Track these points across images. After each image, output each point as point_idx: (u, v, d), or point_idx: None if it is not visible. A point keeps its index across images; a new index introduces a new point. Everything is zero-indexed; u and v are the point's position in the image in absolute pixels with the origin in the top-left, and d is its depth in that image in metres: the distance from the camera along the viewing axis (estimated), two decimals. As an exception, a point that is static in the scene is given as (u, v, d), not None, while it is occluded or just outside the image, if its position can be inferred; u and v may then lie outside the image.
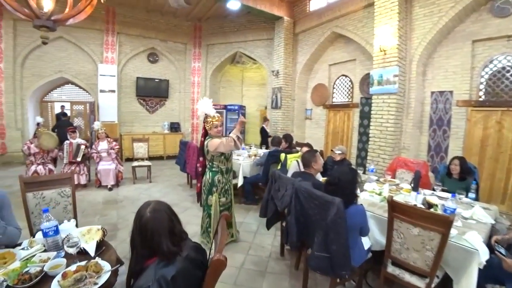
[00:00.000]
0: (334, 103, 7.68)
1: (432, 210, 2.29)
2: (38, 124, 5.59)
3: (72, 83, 8.86)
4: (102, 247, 1.77)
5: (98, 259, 1.55)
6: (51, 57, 8.16)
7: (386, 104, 5.27)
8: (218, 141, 2.92)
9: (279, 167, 4.36)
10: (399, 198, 2.73)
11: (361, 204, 2.16)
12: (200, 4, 8.44)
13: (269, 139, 7.20)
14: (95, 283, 1.36)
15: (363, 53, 6.51)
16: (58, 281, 1.35)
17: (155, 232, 1.21)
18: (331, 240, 1.88)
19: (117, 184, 5.89)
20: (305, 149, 3.75)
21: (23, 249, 1.70)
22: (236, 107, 9.96)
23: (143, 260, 1.25)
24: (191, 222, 4.04)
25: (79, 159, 5.58)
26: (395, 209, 2.03)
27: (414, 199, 2.71)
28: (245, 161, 5.01)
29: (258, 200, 4.88)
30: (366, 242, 2.22)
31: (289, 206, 2.39)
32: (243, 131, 6.94)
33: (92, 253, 1.65)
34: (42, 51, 8.04)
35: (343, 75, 7.36)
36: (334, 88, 7.69)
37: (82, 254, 1.65)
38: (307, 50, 7.84)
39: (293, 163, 3.74)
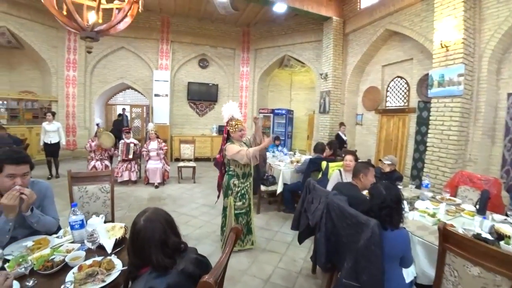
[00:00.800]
0: (387, 108, 7.04)
1: (502, 243, 1.82)
2: (97, 124, 6.19)
3: (132, 88, 9.76)
4: (122, 245, 1.77)
5: (113, 257, 1.55)
6: (114, 65, 9.13)
7: (449, 109, 4.59)
8: (236, 149, 2.93)
9: (320, 175, 4.10)
10: (457, 222, 2.28)
11: (405, 228, 1.81)
12: (248, 10, 8.59)
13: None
14: (103, 281, 1.34)
15: (421, 51, 5.84)
16: (74, 272, 1.38)
17: (145, 242, 1.15)
18: (362, 268, 1.61)
19: (163, 182, 6.19)
20: (349, 157, 3.40)
21: (58, 237, 1.82)
22: (284, 111, 9.82)
23: (136, 268, 1.21)
24: (226, 226, 4.01)
25: (130, 156, 6.03)
26: (448, 239, 1.58)
27: (478, 225, 2.18)
28: (286, 167, 4.84)
29: (297, 209, 4.65)
30: (408, 273, 1.85)
31: (320, 222, 2.15)
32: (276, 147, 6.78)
33: (109, 250, 1.65)
34: (107, 61, 9.06)
35: (398, 76, 6.70)
36: (387, 91, 7.05)
37: (103, 249, 1.67)
38: (358, 50, 7.36)
39: (335, 172, 3.45)
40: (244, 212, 3.19)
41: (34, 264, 1.39)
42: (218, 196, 3.36)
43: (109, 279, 1.36)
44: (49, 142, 6.19)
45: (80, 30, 2.24)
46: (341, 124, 7.36)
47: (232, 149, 2.96)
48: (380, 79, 7.08)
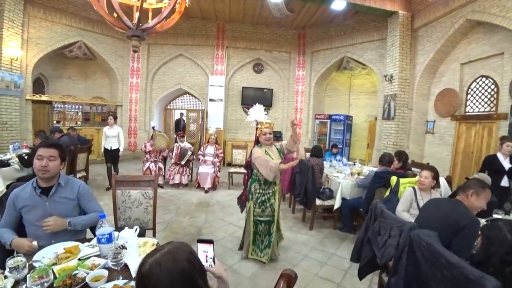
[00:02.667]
0: (467, 114, 5.90)
1: None
2: (153, 127, 6.38)
3: (189, 93, 10.08)
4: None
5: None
6: (172, 72, 9.57)
7: None
8: (259, 154, 2.86)
9: (387, 193, 3.45)
10: None
11: None
12: (304, 11, 8.17)
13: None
14: None
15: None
16: None
17: None
18: None
19: (214, 187, 6.09)
20: (425, 173, 2.74)
21: (91, 245, 1.68)
22: (342, 117, 9.11)
23: None
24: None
25: (183, 162, 6.07)
26: None
27: None
28: (345, 179, 4.28)
29: (357, 228, 4.04)
30: None
31: (397, 263, 1.61)
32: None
33: (133, 273, 1.42)
34: (166, 68, 9.56)
35: (482, 76, 5.56)
36: (468, 93, 5.91)
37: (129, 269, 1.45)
38: (430, 47, 6.35)
39: (408, 190, 2.82)
40: (266, 221, 3.04)
41: (55, 280, 1.29)
42: (244, 203, 3.21)
43: None
44: (109, 148, 5.80)
45: (126, 29, 2.14)
46: (504, 139, 4.03)
47: (258, 155, 2.87)
48: (458, 80, 5.98)
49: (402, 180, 3.18)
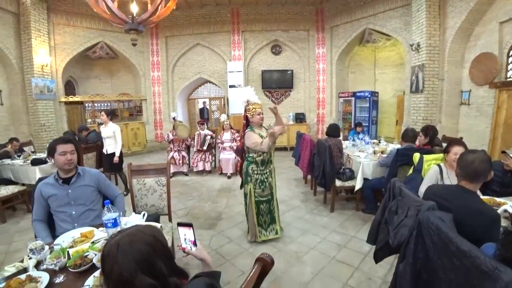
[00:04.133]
0: (509, 80, 5.26)
1: None
2: (174, 118, 6.56)
3: (209, 82, 10.14)
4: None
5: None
6: (191, 62, 9.65)
7: None
8: (256, 138, 2.88)
9: (410, 171, 3.23)
10: None
11: None
12: (320, -16, 7.69)
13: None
14: None
15: None
16: (95, 275, 1.35)
17: (105, 276, 0.84)
18: None
19: (236, 173, 6.15)
20: (456, 149, 2.45)
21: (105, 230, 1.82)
22: (367, 94, 8.64)
23: None
24: (292, 224, 3.64)
25: (205, 147, 6.24)
26: None
27: None
28: (367, 159, 4.06)
29: (380, 209, 3.88)
30: None
31: (405, 247, 1.47)
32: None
33: None
34: (185, 58, 9.67)
35: (528, 34, 4.91)
36: (509, 56, 5.23)
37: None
38: (462, 7, 5.67)
39: (433, 168, 2.57)
40: (266, 200, 3.12)
41: (69, 260, 1.47)
42: (242, 184, 3.24)
43: None
44: (105, 152, 4.90)
45: (124, 24, 2.16)
46: None
47: (252, 138, 2.90)
48: (497, 42, 5.31)
49: (426, 157, 2.94)
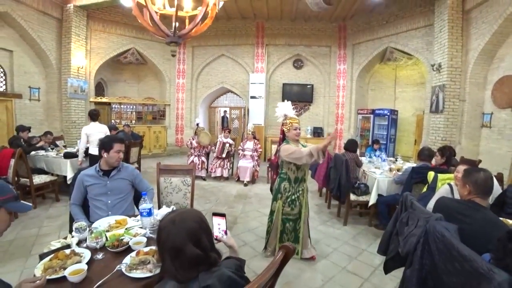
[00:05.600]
0: (534, 104, 5.23)
1: None
2: (197, 124, 6.84)
3: (231, 92, 10.49)
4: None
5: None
6: (215, 71, 10.07)
7: None
8: (291, 148, 2.74)
9: (424, 189, 3.30)
10: None
11: None
12: (343, 2, 7.93)
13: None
14: (150, 271, 1.38)
15: None
16: (131, 256, 1.51)
17: (160, 245, 1.05)
18: None
19: (253, 181, 6.33)
20: (461, 167, 2.56)
21: (136, 219, 2.06)
22: (386, 112, 8.66)
23: (163, 269, 1.12)
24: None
25: (223, 155, 6.42)
26: None
27: None
28: (382, 175, 4.15)
29: (393, 225, 3.91)
30: None
31: (413, 254, 1.59)
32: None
33: None
34: (210, 68, 10.10)
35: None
36: (535, 80, 5.23)
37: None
38: (486, 30, 5.70)
39: (444, 187, 2.65)
40: (293, 218, 2.98)
41: (107, 241, 1.66)
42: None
43: (156, 271, 1.38)
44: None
45: (166, 37, 2.42)
46: None
47: (287, 149, 2.75)
48: (522, 64, 5.32)
49: (441, 176, 3.01)
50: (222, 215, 1.37)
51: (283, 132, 3.02)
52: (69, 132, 7.48)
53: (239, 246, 3.28)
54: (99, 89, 9.49)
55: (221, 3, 2.79)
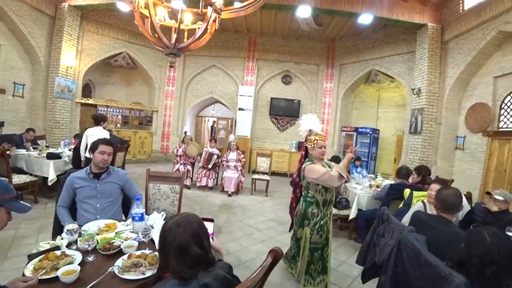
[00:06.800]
0: (501, 130, 5.65)
1: None
2: (185, 132, 6.88)
3: (219, 102, 10.63)
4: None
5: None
6: (206, 81, 10.23)
7: None
8: (320, 169, 2.44)
9: (401, 205, 3.52)
10: None
11: None
12: (332, 24, 8.39)
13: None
14: (143, 273, 1.43)
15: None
16: (123, 258, 1.55)
17: (166, 246, 1.13)
18: None
19: (237, 192, 6.39)
20: (433, 186, 2.79)
21: (125, 224, 2.08)
22: (369, 130, 9.03)
23: (161, 270, 1.21)
24: (289, 244, 3.78)
25: (209, 166, 6.47)
26: None
27: None
28: (363, 191, 4.35)
29: (371, 239, 4.08)
30: None
31: (387, 263, 1.74)
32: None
33: (157, 246, 1.73)
34: (200, 77, 10.24)
35: (518, 90, 5.35)
36: (502, 108, 5.67)
37: (154, 244, 1.78)
38: (461, 60, 6.21)
39: (418, 204, 2.88)
40: (321, 247, 2.66)
41: (98, 243, 1.68)
42: (292, 225, 2.90)
43: (148, 273, 1.44)
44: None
45: (165, 48, 2.52)
46: None
47: (315, 170, 2.45)
48: (491, 94, 5.77)
49: (416, 193, 3.24)
50: (211, 220, 1.47)
51: (306, 149, 2.73)
52: (52, 132, 7.31)
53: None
54: (87, 91, 9.38)
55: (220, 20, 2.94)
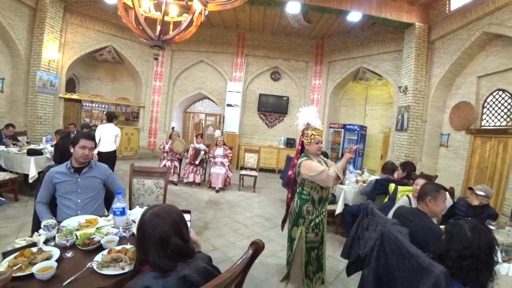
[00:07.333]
0: (483, 128, 5.83)
1: None
2: (173, 128, 6.79)
3: (208, 98, 10.53)
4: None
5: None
6: (194, 77, 10.10)
7: None
8: (317, 167, 2.31)
9: (386, 199, 3.57)
10: None
11: None
12: (322, 22, 8.42)
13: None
14: (123, 268, 1.40)
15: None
16: (103, 254, 1.51)
17: (145, 237, 1.10)
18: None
19: (224, 188, 6.36)
20: (419, 181, 2.85)
21: (107, 219, 2.03)
22: (356, 127, 9.13)
23: (140, 263, 1.17)
24: (275, 240, 3.81)
25: (197, 162, 6.40)
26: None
27: None
28: (349, 186, 4.38)
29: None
30: None
31: (370, 255, 1.76)
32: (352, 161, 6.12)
33: None
34: (188, 73, 10.11)
35: (499, 89, 5.48)
36: (484, 107, 5.83)
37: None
38: (446, 60, 6.36)
39: (403, 198, 2.91)
40: (316, 246, 2.57)
41: (77, 239, 1.63)
42: (284, 222, 2.83)
43: (128, 268, 1.40)
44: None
45: (149, 39, 2.46)
46: None
47: (311, 167, 2.33)
48: (475, 93, 5.92)
49: (400, 188, 3.29)
50: (187, 211, 1.45)
51: (302, 144, 2.61)
52: (33, 128, 7.07)
53: (209, 250, 3.33)
54: (71, 85, 9.10)
55: (207, 12, 2.89)
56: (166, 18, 2.64)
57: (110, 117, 5.32)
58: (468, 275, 1.24)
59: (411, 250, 1.40)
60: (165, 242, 1.08)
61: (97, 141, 4.82)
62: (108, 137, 5.12)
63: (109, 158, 4.95)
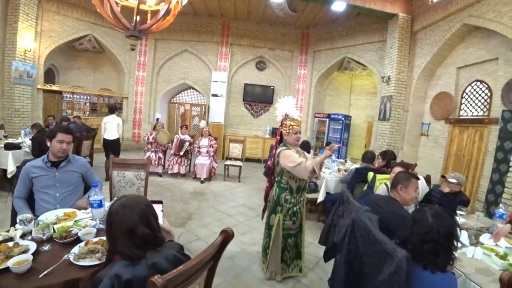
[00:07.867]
0: (461, 117, 6.04)
1: None
2: (157, 119, 6.69)
3: (193, 88, 10.38)
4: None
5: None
6: (178, 67, 9.92)
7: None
8: (295, 158, 2.39)
9: (365, 188, 3.68)
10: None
11: (453, 274, 1.41)
12: (307, 11, 8.36)
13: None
14: (99, 259, 1.41)
15: (511, 49, 4.82)
16: (80, 246, 1.53)
17: (113, 228, 1.14)
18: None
19: (209, 178, 6.39)
20: (396, 169, 2.96)
21: (85, 212, 2.03)
22: (341, 117, 9.26)
23: (111, 253, 1.21)
24: (258, 229, 3.89)
25: (181, 153, 6.37)
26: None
27: None
28: (331, 175, 4.49)
29: (338, 222, 4.27)
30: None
31: (342, 241, 1.84)
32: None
33: None
34: (172, 62, 9.90)
35: (477, 80, 5.68)
36: (462, 97, 6.04)
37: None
38: (428, 50, 6.49)
39: (381, 186, 2.99)
40: (294, 233, 2.67)
41: (54, 233, 1.63)
42: (264, 210, 2.88)
43: (103, 259, 1.41)
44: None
45: (125, 29, 2.41)
46: None
47: (289, 157, 2.40)
48: (454, 84, 6.11)
49: (378, 176, 3.39)
50: (159, 202, 1.48)
51: (280, 134, 2.65)
52: (11, 121, 6.81)
53: (192, 240, 3.38)
54: (50, 76, 8.77)
55: (185, 1, 2.84)
56: (143, 7, 2.58)
57: (112, 109, 6.02)
58: (427, 258, 1.32)
59: (378, 236, 1.47)
60: (132, 231, 1.11)
61: (102, 131, 5.84)
62: (112, 126, 5.82)
63: (114, 145, 5.82)
